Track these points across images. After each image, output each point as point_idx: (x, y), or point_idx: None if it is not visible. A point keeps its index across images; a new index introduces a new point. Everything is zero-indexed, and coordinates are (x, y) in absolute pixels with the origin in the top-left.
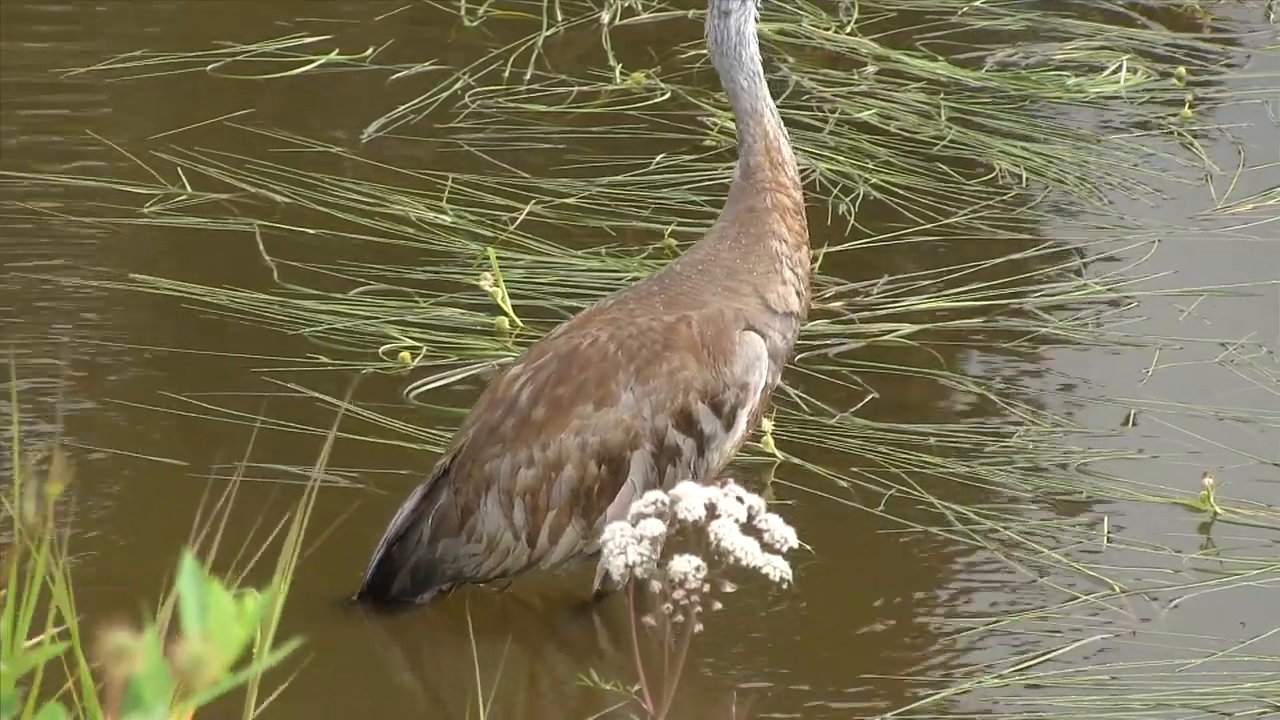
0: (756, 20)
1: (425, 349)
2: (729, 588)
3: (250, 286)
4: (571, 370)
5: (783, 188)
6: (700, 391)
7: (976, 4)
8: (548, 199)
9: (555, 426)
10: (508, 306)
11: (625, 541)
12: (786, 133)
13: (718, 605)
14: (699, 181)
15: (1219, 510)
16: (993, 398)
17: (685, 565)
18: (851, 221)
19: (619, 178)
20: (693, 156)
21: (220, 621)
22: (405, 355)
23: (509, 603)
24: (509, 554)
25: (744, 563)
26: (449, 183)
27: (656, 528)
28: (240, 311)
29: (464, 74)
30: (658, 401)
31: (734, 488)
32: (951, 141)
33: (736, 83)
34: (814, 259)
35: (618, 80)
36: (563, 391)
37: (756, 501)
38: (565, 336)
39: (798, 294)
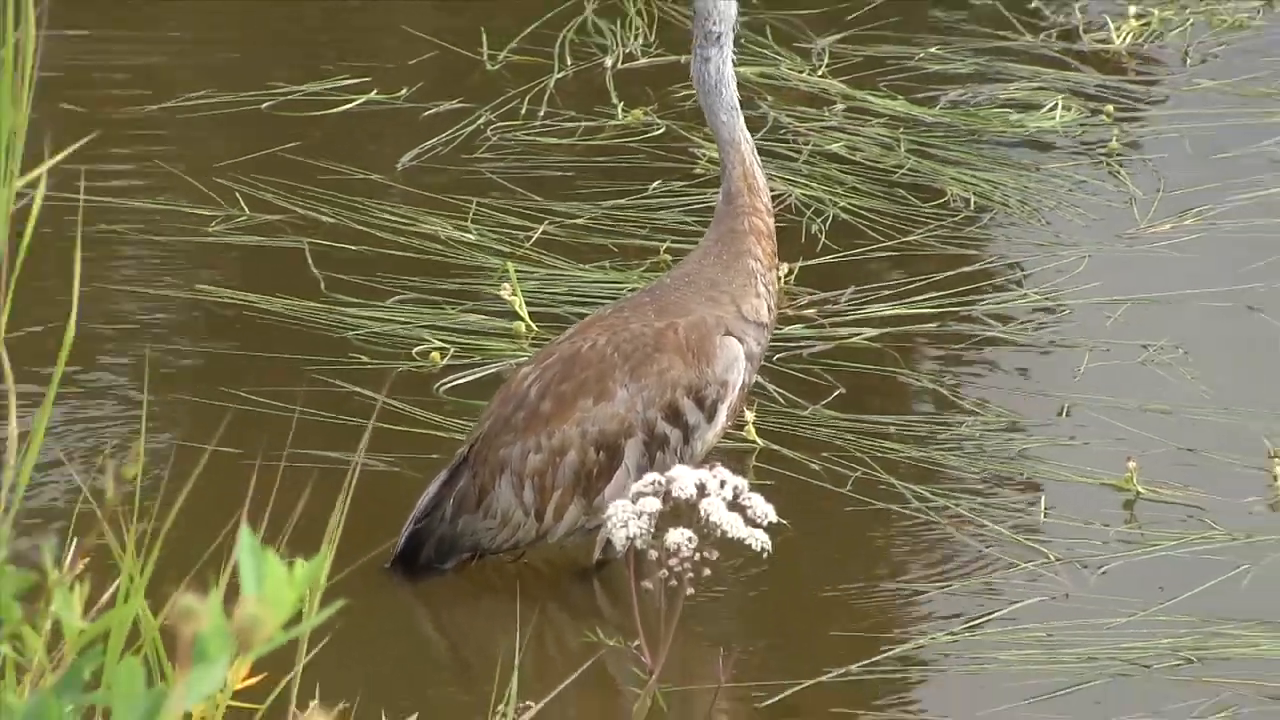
0: (734, 64)
1: (453, 349)
2: (716, 556)
3: (300, 295)
4: (574, 370)
5: (758, 212)
6: (686, 388)
7: (931, 50)
8: (559, 219)
9: (560, 418)
10: (524, 313)
11: (627, 516)
12: (761, 162)
13: (706, 572)
14: (690, 205)
15: (1141, 489)
16: (944, 392)
17: (678, 537)
18: (822, 239)
19: (620, 201)
20: (684, 183)
21: (274, 586)
22: (435, 355)
23: (522, 570)
24: (520, 528)
25: (730, 535)
26: (473, 205)
27: (654, 505)
28: (291, 317)
29: (486, 111)
30: (649, 397)
31: (721, 470)
32: (909, 170)
33: (718, 116)
34: (790, 272)
35: (619, 117)
36: (566, 388)
37: (740, 482)
38: (569, 341)
39: (768, 308)
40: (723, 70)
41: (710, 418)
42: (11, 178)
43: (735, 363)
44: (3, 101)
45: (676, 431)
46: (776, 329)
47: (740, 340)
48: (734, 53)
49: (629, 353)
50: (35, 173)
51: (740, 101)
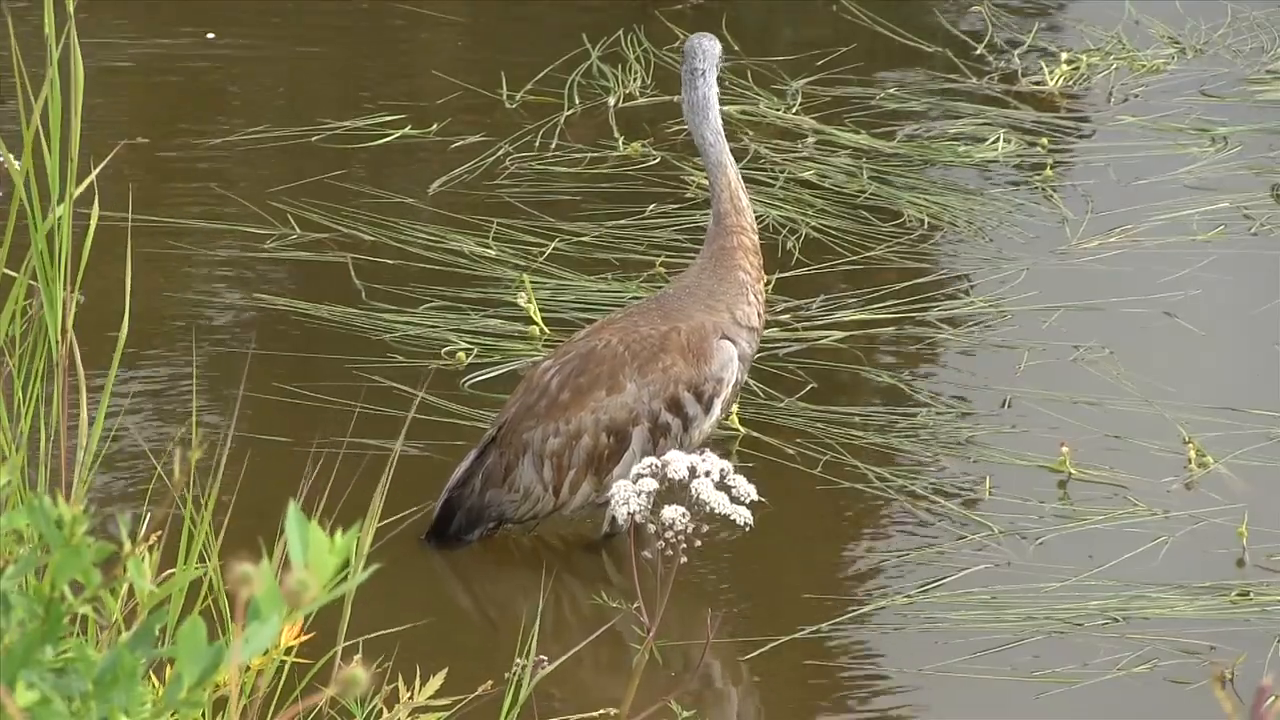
0: (720, 101)
1: (476, 350)
2: (705, 530)
3: (344, 303)
4: (589, 365)
5: (744, 231)
6: (686, 384)
7: (890, 91)
8: (568, 237)
9: (577, 407)
10: (538, 318)
11: (629, 495)
12: (745, 186)
13: (697, 543)
14: (681, 225)
15: (1073, 471)
16: (902, 387)
17: (673, 513)
18: (796, 254)
19: (621, 221)
20: (676, 206)
21: (317, 553)
22: (461, 355)
23: (538, 543)
24: (539, 501)
25: (717, 511)
26: (494, 225)
27: (652, 485)
28: (337, 322)
29: (505, 143)
30: (654, 390)
31: (709, 455)
32: (871, 194)
33: (705, 139)
34: (767, 284)
35: (621, 148)
36: (583, 380)
37: (726, 465)
38: (585, 340)
39: (758, 314)
40: (708, 96)
41: (707, 410)
42: (69, 198)
43: (730, 363)
44: (55, 132)
45: (677, 421)
46: None
47: (734, 342)
48: (720, 93)
49: (638, 351)
50: (81, 187)
51: (725, 134)
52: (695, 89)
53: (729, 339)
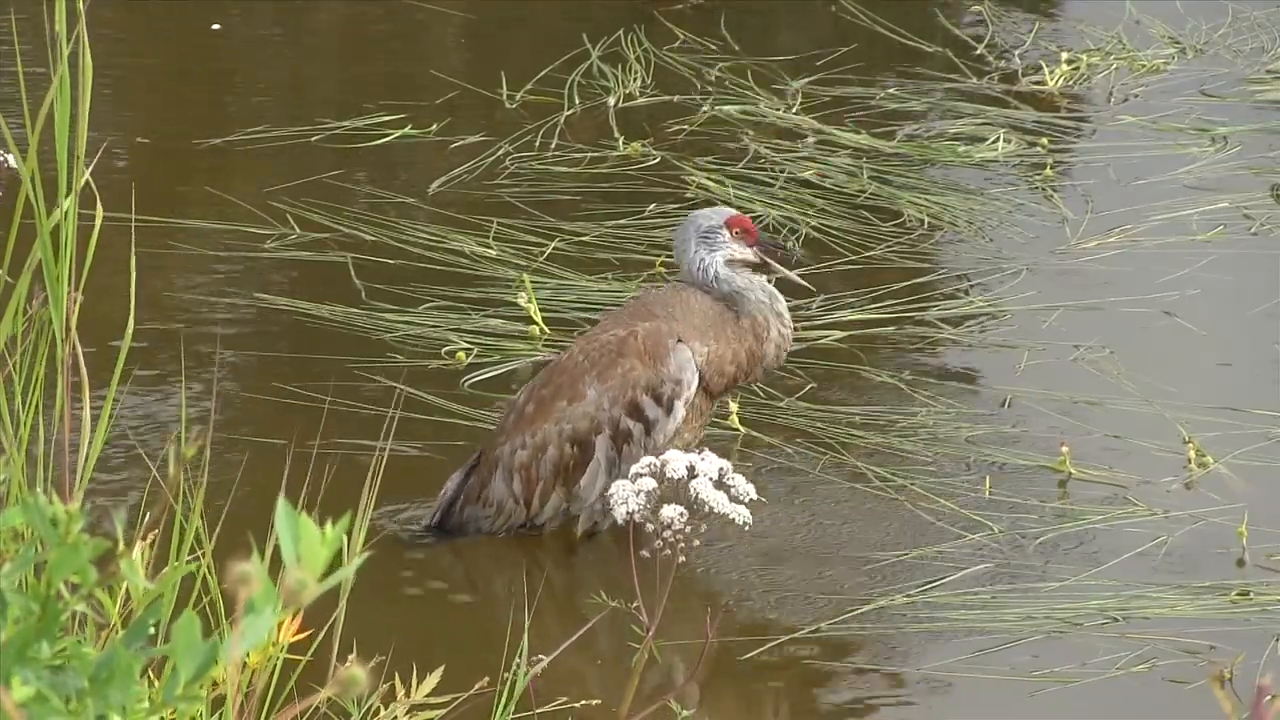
0: (726, 263)
1: (476, 349)
2: (704, 529)
3: (344, 303)
4: (553, 376)
5: (753, 339)
6: (644, 387)
7: (890, 91)
8: (568, 237)
9: (541, 418)
10: (538, 318)
11: (627, 495)
12: (783, 315)
13: (696, 542)
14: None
15: (1073, 471)
16: (902, 386)
17: (672, 512)
18: (796, 254)
19: (621, 221)
20: (676, 205)
21: (308, 545)
22: (461, 354)
23: (537, 539)
24: (511, 515)
25: (716, 510)
26: (494, 225)
27: (650, 484)
28: (337, 322)
29: (505, 143)
30: (613, 396)
31: (708, 454)
32: (871, 194)
33: (714, 289)
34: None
35: (621, 148)
36: (546, 392)
37: (725, 464)
38: (558, 355)
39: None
40: (692, 266)
41: (668, 412)
42: (74, 192)
43: (687, 365)
44: (63, 128)
45: (639, 425)
46: None
47: (690, 347)
48: (720, 94)
49: (596, 359)
50: (79, 183)
51: (725, 136)
52: (680, 255)
53: (684, 343)
